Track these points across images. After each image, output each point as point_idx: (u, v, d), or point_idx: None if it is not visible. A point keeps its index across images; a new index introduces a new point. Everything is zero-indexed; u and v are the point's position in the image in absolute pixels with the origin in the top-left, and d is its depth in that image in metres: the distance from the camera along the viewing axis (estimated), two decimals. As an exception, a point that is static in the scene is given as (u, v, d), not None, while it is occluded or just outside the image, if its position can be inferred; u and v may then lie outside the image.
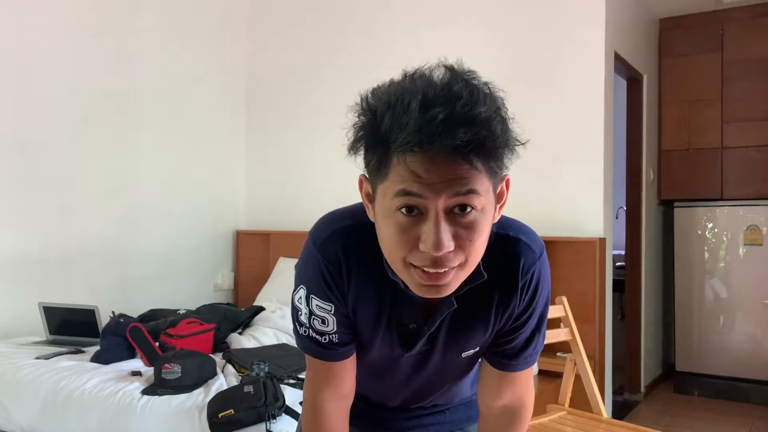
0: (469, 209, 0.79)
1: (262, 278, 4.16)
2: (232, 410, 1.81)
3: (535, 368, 1.08)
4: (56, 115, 3.32)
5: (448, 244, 0.78)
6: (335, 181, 4.09)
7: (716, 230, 4.32)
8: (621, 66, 3.78)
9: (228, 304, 3.73)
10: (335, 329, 0.98)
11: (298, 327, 1.02)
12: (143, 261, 3.75)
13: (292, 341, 2.76)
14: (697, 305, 4.36)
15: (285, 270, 4.04)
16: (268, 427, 1.79)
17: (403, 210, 0.80)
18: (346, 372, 1.04)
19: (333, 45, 4.17)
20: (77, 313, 2.89)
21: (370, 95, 0.83)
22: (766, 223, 4.16)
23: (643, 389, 4.20)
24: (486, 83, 0.81)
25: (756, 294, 4.17)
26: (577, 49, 3.35)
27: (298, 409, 1.88)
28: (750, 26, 4.27)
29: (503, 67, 3.47)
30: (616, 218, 4.95)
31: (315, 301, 0.97)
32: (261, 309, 3.01)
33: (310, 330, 0.99)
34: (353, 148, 0.85)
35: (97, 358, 2.44)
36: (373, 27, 4.00)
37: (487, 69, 0.97)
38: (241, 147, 4.47)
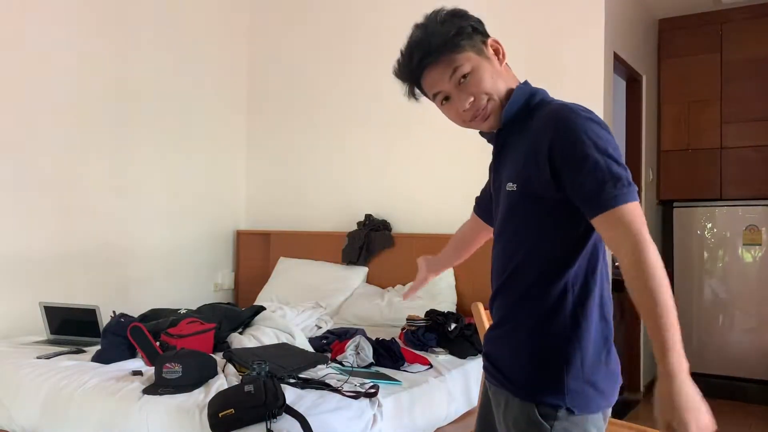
0: (466, 76, 1.25)
1: (262, 278, 4.16)
2: (232, 410, 1.81)
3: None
4: (56, 115, 3.32)
5: (467, 106, 1.27)
6: (335, 180, 4.10)
7: (715, 230, 4.33)
8: (620, 66, 3.79)
9: (228, 303, 3.74)
10: None
11: None
12: (144, 261, 3.76)
13: (292, 341, 2.75)
14: (696, 305, 4.37)
15: (285, 270, 4.04)
16: (268, 427, 1.79)
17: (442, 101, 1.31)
18: None
19: (333, 45, 4.17)
20: (78, 313, 2.89)
21: None
22: (765, 223, 4.17)
23: (642, 389, 4.20)
24: (434, 15, 1.28)
25: (755, 294, 4.18)
26: (576, 50, 3.36)
27: (299, 409, 1.89)
28: (749, 26, 4.28)
29: (503, 67, 3.47)
30: (616, 218, 4.95)
31: None
32: (261, 308, 3.01)
33: None
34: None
35: (98, 358, 2.44)
36: (373, 27, 4.00)
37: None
38: (241, 147, 4.48)
